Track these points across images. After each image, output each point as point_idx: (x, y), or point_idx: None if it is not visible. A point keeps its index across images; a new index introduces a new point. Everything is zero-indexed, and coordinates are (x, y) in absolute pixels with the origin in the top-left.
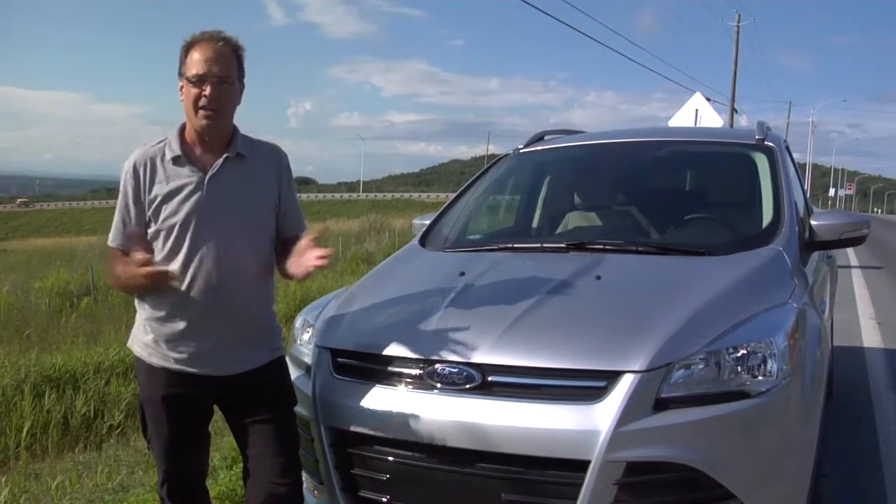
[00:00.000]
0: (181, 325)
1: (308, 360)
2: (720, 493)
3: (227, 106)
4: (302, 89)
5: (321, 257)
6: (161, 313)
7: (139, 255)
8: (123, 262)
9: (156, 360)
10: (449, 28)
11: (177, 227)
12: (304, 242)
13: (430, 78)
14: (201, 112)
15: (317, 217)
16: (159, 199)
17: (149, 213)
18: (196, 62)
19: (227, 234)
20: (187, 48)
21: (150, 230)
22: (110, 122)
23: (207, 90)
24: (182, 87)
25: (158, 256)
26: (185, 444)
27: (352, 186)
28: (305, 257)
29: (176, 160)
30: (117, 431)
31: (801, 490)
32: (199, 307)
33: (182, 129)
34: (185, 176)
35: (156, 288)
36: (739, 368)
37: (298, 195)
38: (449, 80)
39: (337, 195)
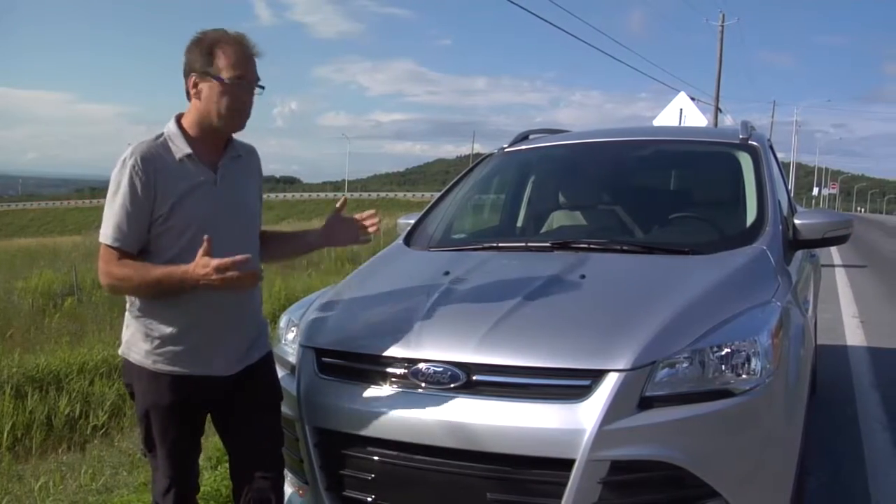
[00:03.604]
0: (194, 325)
1: (292, 359)
2: (704, 492)
3: (250, 109)
4: (288, 89)
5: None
6: (171, 316)
7: (223, 260)
8: (134, 268)
9: (162, 367)
10: (437, 28)
11: (194, 225)
12: (337, 215)
13: (417, 77)
14: (228, 113)
15: (302, 216)
16: (174, 197)
17: (162, 211)
18: (234, 64)
19: (237, 232)
20: (212, 45)
21: (160, 228)
22: (95, 121)
23: (244, 94)
24: (197, 82)
25: (169, 254)
26: (189, 448)
27: (337, 186)
28: (350, 223)
29: (188, 158)
30: (101, 432)
31: (784, 487)
32: (213, 307)
33: (180, 125)
34: (198, 175)
35: (181, 292)
36: (723, 367)
37: (284, 194)
38: (436, 80)
39: (322, 194)
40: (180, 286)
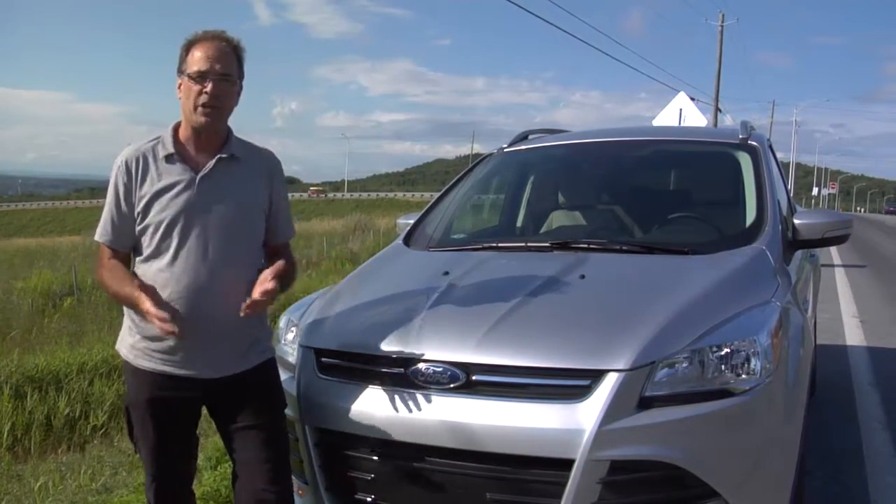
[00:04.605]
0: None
1: (292, 359)
2: (704, 492)
3: (226, 104)
4: (288, 89)
5: (264, 293)
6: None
7: (150, 307)
8: (114, 274)
9: (142, 362)
10: (436, 28)
11: (164, 223)
12: (266, 272)
13: (417, 77)
14: (200, 109)
15: (301, 216)
16: (150, 195)
17: (138, 209)
18: (198, 59)
19: (216, 234)
20: (188, 46)
21: (139, 227)
22: (94, 121)
23: (209, 87)
24: (181, 84)
25: (146, 252)
26: (172, 446)
27: (336, 186)
28: (256, 288)
29: (168, 158)
30: (101, 432)
31: (784, 487)
32: (185, 306)
33: (176, 128)
34: (177, 174)
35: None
36: (723, 367)
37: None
38: (435, 80)
39: (322, 195)
40: (136, 305)
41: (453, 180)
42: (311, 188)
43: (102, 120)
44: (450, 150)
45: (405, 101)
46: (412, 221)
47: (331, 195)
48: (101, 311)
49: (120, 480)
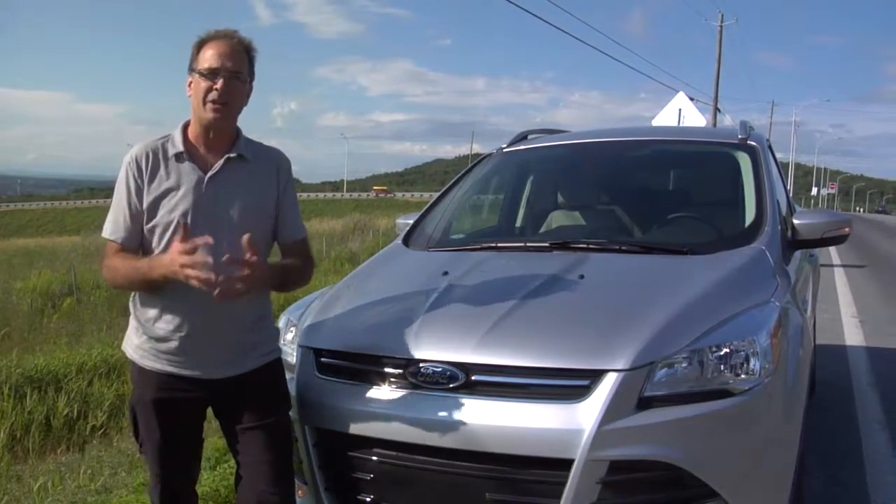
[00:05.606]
0: (172, 325)
1: (291, 360)
2: (703, 492)
3: (235, 101)
4: (288, 89)
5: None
6: (152, 313)
7: (182, 245)
8: (124, 258)
9: (147, 363)
10: (436, 28)
11: (173, 224)
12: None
13: (417, 78)
14: (210, 105)
15: (301, 216)
16: (157, 194)
17: (146, 208)
18: (209, 57)
19: (223, 235)
20: (200, 44)
21: (147, 226)
22: (93, 121)
23: (219, 84)
24: (191, 82)
25: (156, 252)
26: (177, 447)
27: (336, 186)
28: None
29: (178, 157)
30: (100, 432)
31: (783, 487)
32: (190, 307)
33: (185, 128)
34: (186, 173)
35: (160, 286)
36: (722, 367)
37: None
38: (435, 80)
39: (321, 194)
40: (149, 273)
41: (453, 180)
42: (375, 188)
43: (102, 120)
44: (449, 150)
45: (405, 101)
46: (411, 221)
47: (330, 195)
48: (100, 312)
49: (119, 481)
